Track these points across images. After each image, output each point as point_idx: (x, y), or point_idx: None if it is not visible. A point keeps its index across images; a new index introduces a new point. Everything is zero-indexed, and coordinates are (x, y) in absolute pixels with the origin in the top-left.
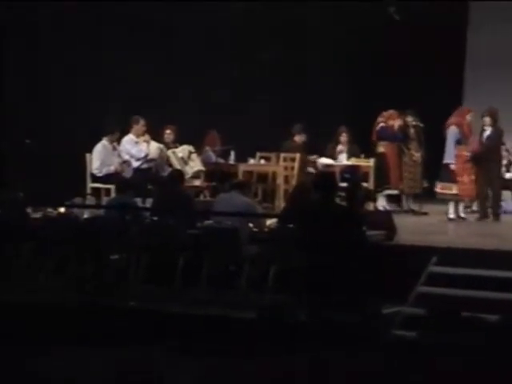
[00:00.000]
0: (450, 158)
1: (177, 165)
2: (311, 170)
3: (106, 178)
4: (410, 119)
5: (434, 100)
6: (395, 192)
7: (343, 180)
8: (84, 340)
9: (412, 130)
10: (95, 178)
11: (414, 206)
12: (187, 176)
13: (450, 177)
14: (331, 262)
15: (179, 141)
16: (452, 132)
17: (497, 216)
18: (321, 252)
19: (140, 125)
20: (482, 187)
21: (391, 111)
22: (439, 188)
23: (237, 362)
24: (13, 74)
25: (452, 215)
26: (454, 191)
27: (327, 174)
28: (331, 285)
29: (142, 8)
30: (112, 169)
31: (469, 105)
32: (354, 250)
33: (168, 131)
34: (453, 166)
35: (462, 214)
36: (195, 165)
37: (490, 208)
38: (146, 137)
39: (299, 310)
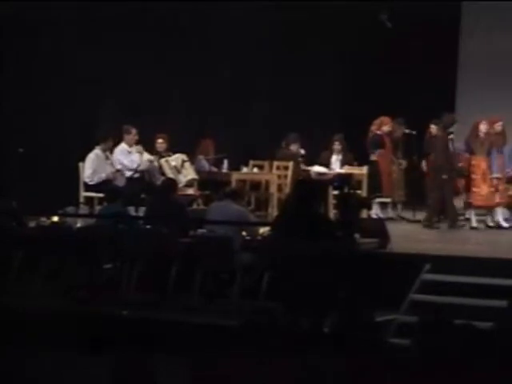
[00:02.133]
0: None
1: (170, 173)
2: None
3: (98, 186)
4: (399, 127)
5: (426, 106)
6: (387, 200)
7: (335, 188)
8: (76, 348)
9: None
10: (88, 187)
11: (405, 214)
12: (180, 184)
13: None
14: (309, 270)
15: (172, 149)
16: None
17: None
18: (297, 260)
19: (132, 135)
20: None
21: (382, 118)
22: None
23: (229, 370)
24: (5, 82)
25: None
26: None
27: (308, 182)
28: (320, 293)
29: (138, 16)
30: (103, 176)
31: (461, 112)
32: (334, 257)
33: (160, 140)
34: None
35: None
36: (188, 173)
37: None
38: (139, 148)
39: (290, 318)
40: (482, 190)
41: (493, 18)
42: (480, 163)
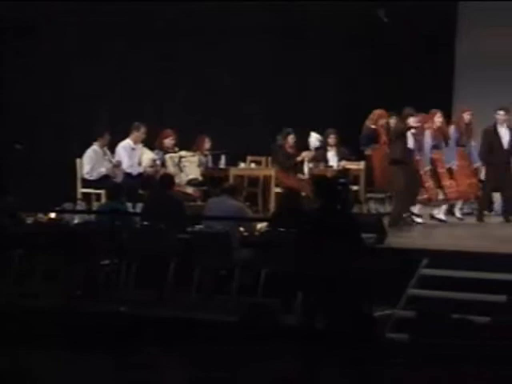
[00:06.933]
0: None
1: (172, 170)
2: (301, 175)
3: (98, 182)
4: (392, 121)
5: (424, 102)
6: (382, 195)
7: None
8: (74, 345)
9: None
10: (86, 183)
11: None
12: (182, 182)
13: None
14: (334, 269)
15: (179, 145)
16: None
17: (395, 222)
18: (325, 258)
19: (140, 132)
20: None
21: (378, 111)
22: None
23: (227, 365)
24: (3, 79)
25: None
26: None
27: (328, 180)
28: (325, 289)
29: (135, 10)
30: (103, 170)
31: (459, 107)
32: (359, 255)
33: (168, 137)
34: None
35: (458, 215)
36: (191, 172)
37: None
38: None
39: (289, 313)
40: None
41: (488, 15)
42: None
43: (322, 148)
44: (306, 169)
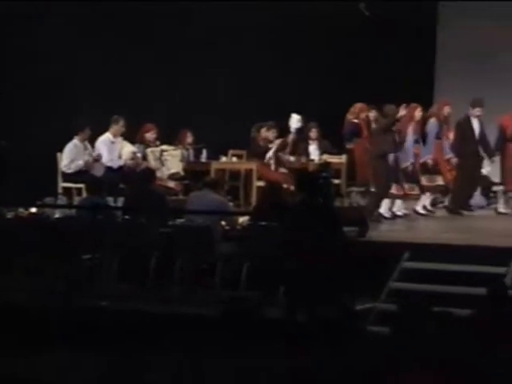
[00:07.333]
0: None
1: (153, 164)
2: (283, 169)
3: (76, 175)
4: (372, 114)
5: (404, 95)
6: (362, 189)
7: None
8: (56, 340)
9: (374, 126)
10: (66, 176)
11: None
12: (164, 177)
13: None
14: (316, 261)
15: (160, 139)
16: (432, 125)
17: (370, 213)
18: (307, 251)
19: (119, 125)
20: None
21: (359, 105)
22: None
23: (210, 360)
24: None
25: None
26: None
27: (310, 174)
28: (308, 283)
29: (120, 9)
30: (81, 163)
31: (439, 100)
32: (340, 247)
33: (150, 131)
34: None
35: (430, 208)
36: (173, 166)
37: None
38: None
39: (272, 307)
40: None
41: (468, 8)
42: None
43: (303, 130)
44: (268, 155)
